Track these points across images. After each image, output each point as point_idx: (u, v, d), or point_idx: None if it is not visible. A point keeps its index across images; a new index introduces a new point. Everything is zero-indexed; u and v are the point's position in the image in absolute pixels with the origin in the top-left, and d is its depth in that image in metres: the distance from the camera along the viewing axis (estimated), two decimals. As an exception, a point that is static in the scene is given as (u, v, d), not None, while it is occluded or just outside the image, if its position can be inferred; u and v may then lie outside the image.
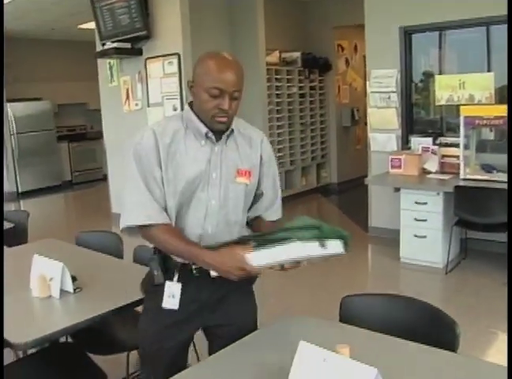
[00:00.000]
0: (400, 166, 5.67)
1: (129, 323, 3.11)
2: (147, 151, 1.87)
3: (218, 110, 1.83)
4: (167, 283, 1.93)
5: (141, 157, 1.88)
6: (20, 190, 10.54)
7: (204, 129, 1.89)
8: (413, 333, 1.96)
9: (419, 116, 6.33)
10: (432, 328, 1.99)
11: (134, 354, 2.61)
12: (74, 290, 2.53)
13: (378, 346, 1.91)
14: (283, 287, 4.95)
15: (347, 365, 1.48)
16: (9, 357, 2.72)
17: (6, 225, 4.43)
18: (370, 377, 1.43)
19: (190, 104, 1.96)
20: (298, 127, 8.73)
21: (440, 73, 5.91)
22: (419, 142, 5.74)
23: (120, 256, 3.24)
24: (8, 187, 10.47)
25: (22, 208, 9.00)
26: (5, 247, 3.42)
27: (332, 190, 9.26)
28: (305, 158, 8.90)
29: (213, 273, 1.83)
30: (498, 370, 1.70)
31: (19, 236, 4.25)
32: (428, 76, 6.14)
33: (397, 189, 5.48)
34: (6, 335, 2.06)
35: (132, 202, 1.90)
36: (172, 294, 1.93)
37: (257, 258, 1.77)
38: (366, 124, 6.73)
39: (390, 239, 5.84)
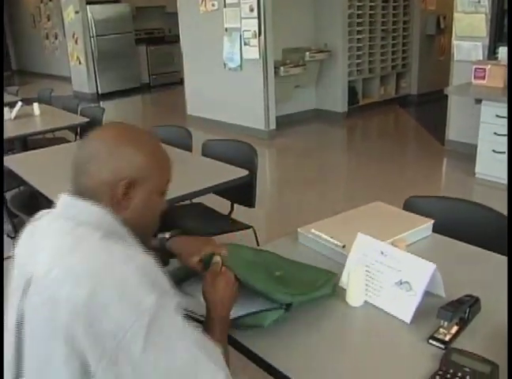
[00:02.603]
0: (484, 77, 5.34)
1: (195, 215, 3.23)
2: None
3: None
4: None
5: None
6: (100, 92, 10.81)
7: None
8: (476, 238, 1.90)
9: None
10: (498, 239, 1.89)
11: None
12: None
13: (437, 245, 1.88)
14: (354, 190, 4.96)
15: (404, 258, 1.46)
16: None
17: (81, 120, 4.61)
18: (428, 272, 1.41)
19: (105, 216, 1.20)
20: (379, 34, 8.31)
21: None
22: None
23: (189, 149, 3.30)
24: (88, 89, 10.77)
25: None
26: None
27: (410, 102, 8.91)
28: (385, 66, 8.53)
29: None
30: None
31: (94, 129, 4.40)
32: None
33: (479, 101, 5.19)
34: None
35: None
36: None
37: None
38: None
39: (467, 154, 5.64)
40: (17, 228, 2.93)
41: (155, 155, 1.24)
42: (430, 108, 8.38)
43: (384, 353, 1.31)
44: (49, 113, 4.98)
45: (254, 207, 3.01)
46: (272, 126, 7.02)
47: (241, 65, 7.00)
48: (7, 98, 6.04)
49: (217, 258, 1.39)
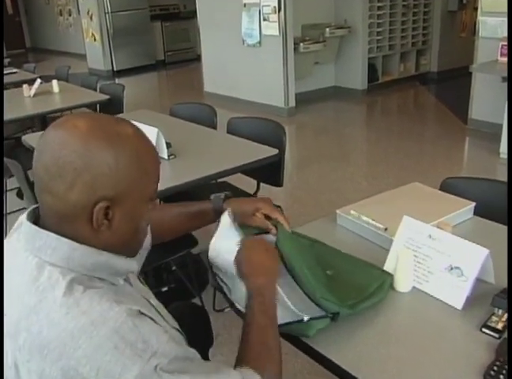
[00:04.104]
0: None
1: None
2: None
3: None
4: None
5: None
6: (115, 69, 10.74)
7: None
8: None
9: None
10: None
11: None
12: (168, 156, 2.56)
13: (479, 229, 1.81)
14: (375, 169, 4.89)
15: (455, 242, 1.40)
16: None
17: (101, 97, 4.56)
18: (481, 258, 1.35)
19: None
20: (400, 10, 8.12)
21: None
22: (537, 28, 5.20)
23: (213, 127, 3.24)
24: (104, 66, 10.70)
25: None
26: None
27: (430, 79, 8.74)
28: (405, 43, 8.36)
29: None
30: None
31: (115, 107, 4.36)
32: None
33: (505, 79, 5.06)
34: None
35: None
36: None
37: None
38: (475, 9, 6.15)
39: (491, 133, 5.55)
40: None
41: (139, 157, 0.96)
42: (451, 86, 8.23)
43: (436, 341, 1.26)
44: (68, 90, 4.92)
45: (281, 186, 2.96)
46: (292, 104, 6.92)
47: (260, 42, 6.88)
48: (24, 75, 6.00)
49: (271, 237, 1.32)
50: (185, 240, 2.59)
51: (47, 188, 0.93)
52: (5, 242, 1.06)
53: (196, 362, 0.94)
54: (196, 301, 2.78)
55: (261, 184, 3.10)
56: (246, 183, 3.14)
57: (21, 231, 1.00)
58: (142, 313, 0.91)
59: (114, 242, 0.99)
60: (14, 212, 3.71)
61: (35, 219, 0.99)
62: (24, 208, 3.71)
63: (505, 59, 5.20)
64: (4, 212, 3.73)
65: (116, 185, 0.93)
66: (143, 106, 4.84)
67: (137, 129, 1.00)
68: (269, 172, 2.92)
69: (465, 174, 5.15)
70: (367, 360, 1.21)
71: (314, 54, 7.24)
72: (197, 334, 1.38)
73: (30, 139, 3.33)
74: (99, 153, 0.91)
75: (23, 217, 1.03)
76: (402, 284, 1.41)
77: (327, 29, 7.23)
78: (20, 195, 3.40)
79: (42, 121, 4.62)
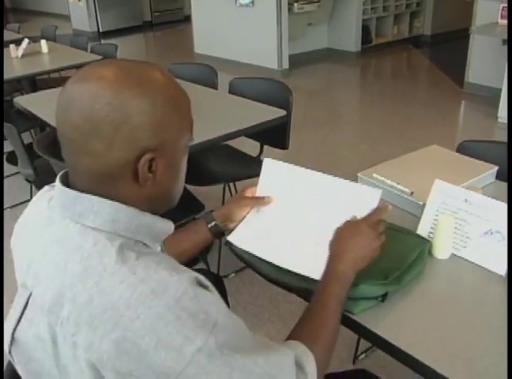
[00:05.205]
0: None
1: (223, 158, 3.09)
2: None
3: None
4: None
5: None
6: (101, 30, 10.46)
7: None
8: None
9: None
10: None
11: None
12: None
13: (504, 193, 1.75)
14: (370, 131, 4.83)
15: (493, 206, 1.33)
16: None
17: (94, 57, 4.40)
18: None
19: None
20: (394, -31, 7.98)
21: None
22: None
23: (215, 87, 3.13)
24: (89, 27, 10.40)
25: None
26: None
27: (424, 42, 8.62)
28: (399, 5, 8.21)
29: None
30: None
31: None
32: None
33: (506, 42, 4.98)
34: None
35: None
36: None
37: None
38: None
39: (488, 97, 5.49)
40: (39, 171, 2.80)
41: (175, 101, 0.88)
42: (444, 49, 8.13)
43: (477, 308, 1.20)
44: (58, 50, 4.74)
45: (287, 148, 2.87)
46: (285, 65, 6.79)
47: (253, 1, 6.71)
48: (9, 35, 5.78)
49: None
50: (190, 205, 2.52)
51: (83, 149, 0.83)
52: (27, 214, 0.98)
53: (248, 336, 0.87)
54: (200, 265, 2.72)
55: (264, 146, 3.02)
56: (248, 146, 3.05)
57: (52, 198, 0.91)
58: (200, 282, 0.83)
59: (156, 195, 0.91)
60: (6, 177, 3.60)
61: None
62: (17, 173, 3.59)
63: (506, 21, 5.10)
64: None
65: (156, 134, 0.85)
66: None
67: (166, 73, 0.91)
68: (274, 134, 2.83)
69: (462, 137, 5.10)
70: (407, 329, 1.15)
71: (307, 15, 7.07)
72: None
73: (22, 101, 3.21)
74: (135, 102, 0.82)
75: (43, 190, 0.97)
76: (441, 251, 1.34)
77: (321, -11, 7.07)
78: (10, 160, 3.27)
79: (31, 83, 4.47)
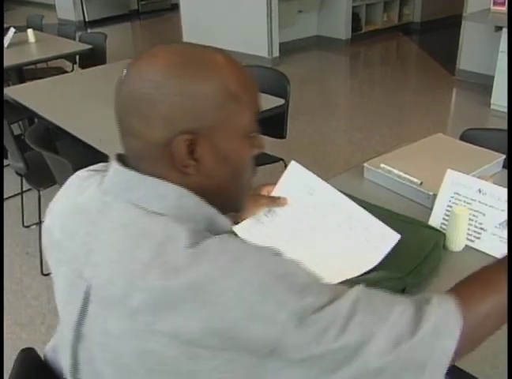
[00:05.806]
0: (504, 3, 5.05)
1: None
2: None
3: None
4: None
5: None
6: (87, 19, 10.29)
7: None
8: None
9: None
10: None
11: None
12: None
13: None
14: (361, 119, 4.78)
15: (506, 195, 1.30)
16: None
17: (83, 47, 4.32)
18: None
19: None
20: (384, -45, 7.91)
21: None
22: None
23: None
24: (75, 16, 10.23)
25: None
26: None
27: (413, 29, 8.57)
28: (389, -9, 8.17)
29: None
30: None
31: (97, 57, 4.13)
32: None
33: (499, 29, 4.94)
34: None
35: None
36: None
37: None
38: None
39: (480, 84, 5.47)
40: (29, 164, 2.73)
41: (226, 82, 0.81)
42: (434, 37, 8.10)
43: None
44: (45, 40, 4.63)
45: (285, 138, 2.83)
46: (276, 53, 6.71)
47: (242, -12, 6.60)
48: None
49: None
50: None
51: (129, 129, 0.81)
52: (70, 203, 0.89)
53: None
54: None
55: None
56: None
57: (103, 182, 0.85)
58: (275, 250, 0.78)
59: (205, 188, 0.83)
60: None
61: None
62: (7, 165, 3.49)
63: (498, 8, 5.07)
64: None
65: (198, 116, 0.79)
66: (125, 57, 4.59)
67: (225, 54, 0.86)
68: (271, 124, 2.78)
69: (456, 124, 5.09)
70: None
71: (297, 2, 7.00)
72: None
73: (12, 92, 3.14)
74: (176, 80, 0.78)
75: (90, 171, 0.92)
76: (455, 243, 1.31)
77: (311, -25, 6.99)
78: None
79: (18, 74, 4.37)
